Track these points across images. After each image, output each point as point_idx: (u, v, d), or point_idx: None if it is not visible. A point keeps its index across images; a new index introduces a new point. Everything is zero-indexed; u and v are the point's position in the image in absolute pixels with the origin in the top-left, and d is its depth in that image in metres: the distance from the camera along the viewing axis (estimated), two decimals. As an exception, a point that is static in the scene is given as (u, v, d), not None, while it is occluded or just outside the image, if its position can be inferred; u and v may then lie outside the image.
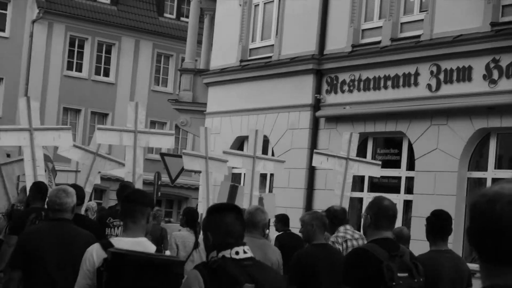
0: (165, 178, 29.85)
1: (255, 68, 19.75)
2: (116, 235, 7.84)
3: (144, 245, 4.95)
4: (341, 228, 8.87)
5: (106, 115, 39.24)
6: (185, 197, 38.70)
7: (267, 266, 4.43)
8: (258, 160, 13.29)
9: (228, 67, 20.58)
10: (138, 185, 11.41)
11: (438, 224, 6.72)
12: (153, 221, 13.13)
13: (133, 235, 5.00)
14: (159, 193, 29.96)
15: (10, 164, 12.59)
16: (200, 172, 13.36)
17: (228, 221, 4.10)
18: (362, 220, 5.80)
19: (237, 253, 4.03)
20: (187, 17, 40.31)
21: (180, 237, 10.23)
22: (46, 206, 7.12)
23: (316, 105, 17.95)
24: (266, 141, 19.19)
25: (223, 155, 13.66)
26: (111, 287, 4.53)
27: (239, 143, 20.36)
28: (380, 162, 14.70)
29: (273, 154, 18.46)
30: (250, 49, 20.41)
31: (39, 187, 9.31)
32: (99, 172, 13.62)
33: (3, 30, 37.63)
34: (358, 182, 17.24)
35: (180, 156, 15.28)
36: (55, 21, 38.45)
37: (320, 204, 14.39)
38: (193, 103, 22.39)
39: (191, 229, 10.21)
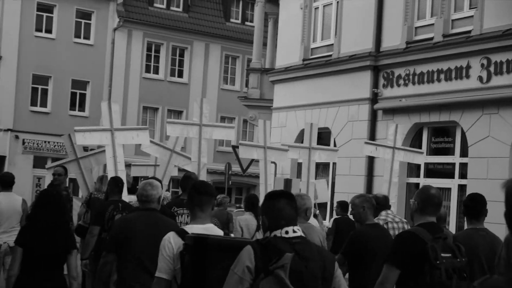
0: (235, 168, 30.12)
1: (317, 66, 19.66)
2: (180, 223, 7.79)
3: (212, 230, 5.03)
4: (383, 212, 8.98)
5: (181, 112, 39.44)
6: (253, 185, 38.62)
7: (315, 244, 4.43)
8: (314, 150, 13.32)
9: (291, 66, 20.51)
10: (203, 174, 11.57)
11: (472, 206, 6.69)
12: (220, 207, 13.45)
13: (201, 222, 5.06)
14: (230, 182, 30.23)
15: (87, 158, 12.77)
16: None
17: (280, 206, 4.19)
18: (411, 205, 5.69)
19: (286, 232, 4.11)
20: (251, 21, 40.74)
21: (244, 220, 10.28)
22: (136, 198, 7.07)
23: (374, 99, 17.81)
24: (328, 133, 19.15)
25: (283, 146, 13.81)
26: (194, 269, 4.58)
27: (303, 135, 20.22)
28: (423, 151, 14.68)
29: (335, 145, 18.44)
30: (312, 49, 20.33)
31: (116, 182, 9.52)
32: (175, 165, 13.71)
33: (88, 38, 38.02)
34: (414, 169, 17.06)
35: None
36: (134, 29, 38.82)
37: (379, 189, 14.23)
38: (260, 99, 22.40)
39: (253, 213, 10.24)
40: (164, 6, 40.11)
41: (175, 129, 12.41)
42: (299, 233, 4.17)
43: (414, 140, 16.99)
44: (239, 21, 42.52)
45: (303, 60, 20.14)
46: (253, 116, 22.02)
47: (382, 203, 9.09)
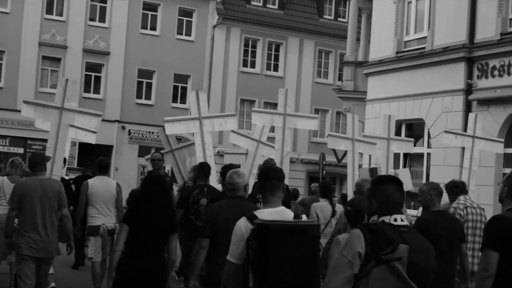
0: (329, 158, 29.88)
1: (410, 58, 19.09)
2: None
3: (283, 213, 4.98)
4: (461, 197, 8.75)
5: (276, 104, 39.00)
6: (345, 174, 38.23)
7: (419, 234, 4.14)
8: (392, 141, 13.46)
9: (385, 59, 20.01)
10: (286, 162, 11.64)
11: None
12: (313, 195, 13.29)
13: (273, 205, 5.01)
14: (324, 172, 30.02)
15: (181, 149, 12.95)
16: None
17: (390, 191, 4.03)
18: (499, 190, 5.49)
19: (395, 220, 3.94)
20: (344, 17, 40.85)
21: (319, 207, 10.11)
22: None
23: (468, 90, 17.13)
24: (422, 124, 18.62)
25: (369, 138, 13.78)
26: (260, 253, 4.53)
27: (397, 126, 19.77)
28: (503, 140, 14.17)
29: (429, 136, 17.97)
30: (405, 42, 19.73)
31: (203, 167, 9.71)
32: (263, 155, 13.41)
33: (189, 35, 38.39)
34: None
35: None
36: (232, 26, 38.96)
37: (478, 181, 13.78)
38: (354, 91, 22.04)
39: (327, 200, 10.14)
40: (260, 4, 40.16)
41: (260, 118, 12.42)
42: (406, 221, 4.01)
43: (510, 130, 16.32)
44: (332, 17, 42.14)
45: (397, 52, 19.61)
46: (347, 108, 21.66)
47: (461, 187, 8.92)
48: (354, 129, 13.32)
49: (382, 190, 4.06)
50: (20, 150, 33.89)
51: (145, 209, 6.48)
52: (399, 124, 19.62)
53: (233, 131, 13.20)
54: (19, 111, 11.40)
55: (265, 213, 4.88)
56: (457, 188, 8.84)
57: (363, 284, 3.77)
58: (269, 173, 5.20)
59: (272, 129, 12.81)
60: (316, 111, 39.50)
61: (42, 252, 7.99)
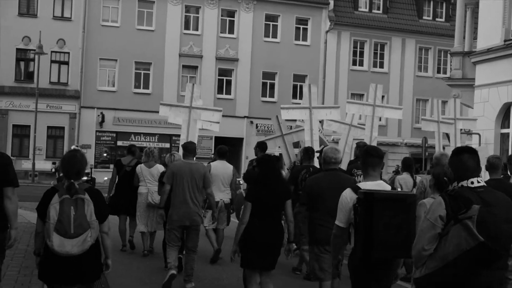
0: (430, 141, 28.10)
1: (519, 44, 17.04)
2: (359, 182, 7.21)
3: (382, 185, 5.03)
4: None
5: (382, 97, 37.72)
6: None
7: (497, 191, 4.00)
8: (458, 121, 14.12)
9: (493, 47, 18.03)
10: (373, 144, 11.77)
11: None
12: None
13: (373, 179, 5.03)
14: (426, 153, 28.92)
15: (290, 134, 12.93)
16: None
17: (464, 159, 3.97)
18: None
19: (472, 182, 3.89)
20: (441, 17, 39.75)
21: (402, 179, 9.72)
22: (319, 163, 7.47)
23: None
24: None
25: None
26: (365, 218, 4.50)
27: (506, 108, 17.85)
28: None
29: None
30: (512, 30, 17.70)
31: (307, 151, 9.73)
32: (354, 138, 13.74)
33: (306, 40, 37.57)
34: None
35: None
36: (342, 30, 37.91)
37: None
38: (462, 79, 20.11)
39: (409, 173, 9.80)
40: (367, 10, 38.88)
41: (354, 108, 13.22)
42: (482, 183, 3.93)
43: None
44: (430, 18, 40.22)
45: (505, 41, 17.59)
46: (456, 94, 19.78)
47: None
48: (439, 112, 14.30)
49: (457, 160, 4.02)
50: (167, 145, 34.17)
51: (264, 186, 6.46)
52: (507, 106, 17.82)
53: (328, 119, 13.74)
54: None
55: (367, 185, 4.90)
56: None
57: (443, 241, 3.76)
58: (372, 151, 5.17)
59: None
60: (418, 101, 39.34)
61: (189, 221, 8.15)
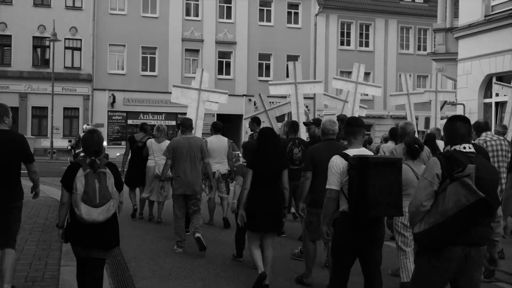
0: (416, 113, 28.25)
1: (498, 19, 16.96)
2: None
3: (365, 152, 5.03)
4: (483, 134, 8.23)
5: (368, 73, 37.82)
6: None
7: (484, 158, 4.06)
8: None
9: (474, 23, 17.94)
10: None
11: None
12: None
13: (356, 146, 5.10)
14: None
15: (273, 109, 12.81)
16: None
17: (456, 126, 3.98)
18: None
19: (464, 147, 3.92)
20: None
21: (386, 147, 9.34)
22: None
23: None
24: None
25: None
26: (359, 181, 4.57)
27: (488, 80, 17.86)
28: None
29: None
30: (492, 6, 17.60)
31: (292, 124, 9.49)
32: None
33: (297, 23, 37.34)
34: None
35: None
36: (330, 13, 37.60)
37: None
38: (446, 53, 20.04)
39: (394, 141, 9.30)
40: (352, -7, 38.52)
41: (339, 83, 13.60)
42: (473, 149, 3.94)
43: None
44: (410, 0, 39.86)
45: (485, 16, 17.53)
46: (440, 68, 19.78)
47: (483, 126, 8.34)
48: (407, 86, 14.69)
49: (450, 126, 4.01)
50: (173, 123, 34.01)
51: (262, 156, 6.44)
52: (489, 78, 17.79)
53: (325, 94, 14.09)
54: (170, 92, 12.35)
55: (352, 152, 4.90)
56: (479, 128, 8.26)
57: (441, 198, 3.75)
58: (352, 122, 5.21)
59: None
60: (401, 76, 37.71)
61: (190, 190, 8.25)
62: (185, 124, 8.52)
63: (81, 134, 13.44)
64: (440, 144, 8.12)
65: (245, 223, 6.44)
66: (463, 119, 4.06)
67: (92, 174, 4.79)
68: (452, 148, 3.93)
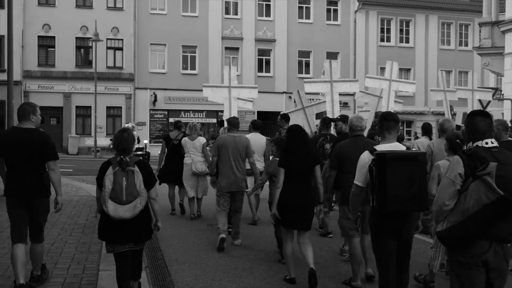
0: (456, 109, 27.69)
1: (548, 12, 16.45)
2: None
3: (397, 147, 5.01)
4: None
5: (408, 70, 37.72)
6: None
7: (508, 152, 3.93)
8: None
9: (522, 15, 17.46)
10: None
11: None
12: None
13: (389, 141, 5.05)
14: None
15: (311, 107, 13.03)
16: None
17: (475, 122, 3.90)
18: None
19: (486, 143, 3.84)
20: None
21: (420, 142, 9.49)
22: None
23: None
24: None
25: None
26: (379, 176, 4.54)
27: (536, 73, 17.34)
28: None
29: None
30: (541, -1, 17.09)
31: (324, 121, 9.51)
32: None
33: (336, 20, 36.99)
34: None
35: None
36: (370, 9, 37.25)
37: None
38: (492, 47, 19.54)
39: (428, 137, 9.54)
40: (392, -12, 38.05)
41: (372, 82, 13.76)
42: (496, 143, 3.88)
43: None
44: (454, -5, 39.31)
45: (533, 9, 17.04)
46: (486, 62, 19.30)
47: None
48: (444, 83, 14.82)
49: (470, 122, 3.94)
50: (213, 120, 34.12)
51: (295, 154, 6.40)
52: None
53: (361, 91, 14.11)
54: None
55: (383, 147, 4.92)
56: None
57: (463, 197, 3.74)
58: (387, 116, 5.17)
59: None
60: (442, 71, 37.10)
61: (235, 187, 8.36)
62: (232, 123, 8.61)
63: None
64: None
65: (278, 220, 6.42)
66: (483, 114, 3.98)
67: (120, 172, 4.89)
68: (474, 144, 3.88)
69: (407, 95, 37.22)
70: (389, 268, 4.79)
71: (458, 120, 21.71)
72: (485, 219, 3.66)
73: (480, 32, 20.74)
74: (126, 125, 15.65)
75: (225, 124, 9.88)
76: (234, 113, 11.73)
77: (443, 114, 33.88)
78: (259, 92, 13.90)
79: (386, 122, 5.10)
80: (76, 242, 8.10)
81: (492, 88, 17.37)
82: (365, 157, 4.92)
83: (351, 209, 5.14)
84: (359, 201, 5.01)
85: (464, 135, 4.10)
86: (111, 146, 16.82)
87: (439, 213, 3.86)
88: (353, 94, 14.88)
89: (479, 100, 21.67)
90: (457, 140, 6.18)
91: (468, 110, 14.76)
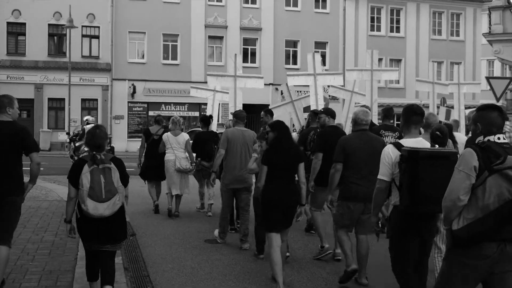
0: (449, 102, 26.28)
1: None
2: (386, 143, 6.93)
3: (422, 143, 4.85)
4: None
5: (399, 60, 36.38)
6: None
7: None
8: (462, 85, 14.32)
9: (540, -3, 15.72)
10: (374, 107, 12.23)
11: None
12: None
13: (413, 136, 4.88)
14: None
15: (299, 100, 12.62)
16: None
17: (492, 116, 3.69)
18: None
19: (498, 138, 3.65)
20: None
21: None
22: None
23: None
24: None
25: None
26: (410, 174, 4.36)
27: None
28: None
29: None
30: None
31: (314, 114, 8.96)
32: (355, 103, 13.71)
33: (325, 8, 35.48)
34: None
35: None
36: (360, -3, 36.00)
37: None
38: (504, 33, 17.83)
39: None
40: (383, -25, 36.88)
41: (353, 74, 13.24)
42: (507, 140, 3.68)
43: None
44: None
45: (553, -10, 15.30)
46: (497, 50, 17.59)
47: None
48: (434, 74, 14.54)
49: (486, 116, 3.72)
50: (196, 114, 32.41)
51: (278, 151, 6.06)
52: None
53: (333, 86, 13.38)
54: (193, 82, 12.15)
55: (408, 142, 4.75)
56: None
57: (480, 191, 3.53)
58: (417, 109, 4.95)
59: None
60: (433, 63, 36.03)
61: (240, 183, 8.05)
62: (239, 116, 8.35)
63: (85, 127, 13.01)
64: (457, 136, 7.75)
65: (265, 225, 6.20)
66: (498, 109, 3.75)
67: (97, 170, 4.84)
68: (486, 138, 3.67)
69: (398, 87, 35.69)
70: (409, 271, 4.65)
71: (441, 116, 20.41)
72: (506, 216, 3.46)
73: (489, 17, 19.01)
74: (85, 118, 14.41)
75: (220, 120, 8.69)
76: (239, 104, 11.48)
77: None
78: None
79: (415, 117, 4.89)
80: (40, 271, 6.29)
81: (508, 78, 15.65)
82: (391, 151, 4.70)
83: (374, 208, 4.87)
84: (384, 198, 4.80)
85: (472, 128, 3.82)
86: (69, 141, 15.49)
87: (452, 209, 3.61)
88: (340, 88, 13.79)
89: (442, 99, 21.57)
90: (437, 132, 6.01)
91: (455, 105, 14.65)
